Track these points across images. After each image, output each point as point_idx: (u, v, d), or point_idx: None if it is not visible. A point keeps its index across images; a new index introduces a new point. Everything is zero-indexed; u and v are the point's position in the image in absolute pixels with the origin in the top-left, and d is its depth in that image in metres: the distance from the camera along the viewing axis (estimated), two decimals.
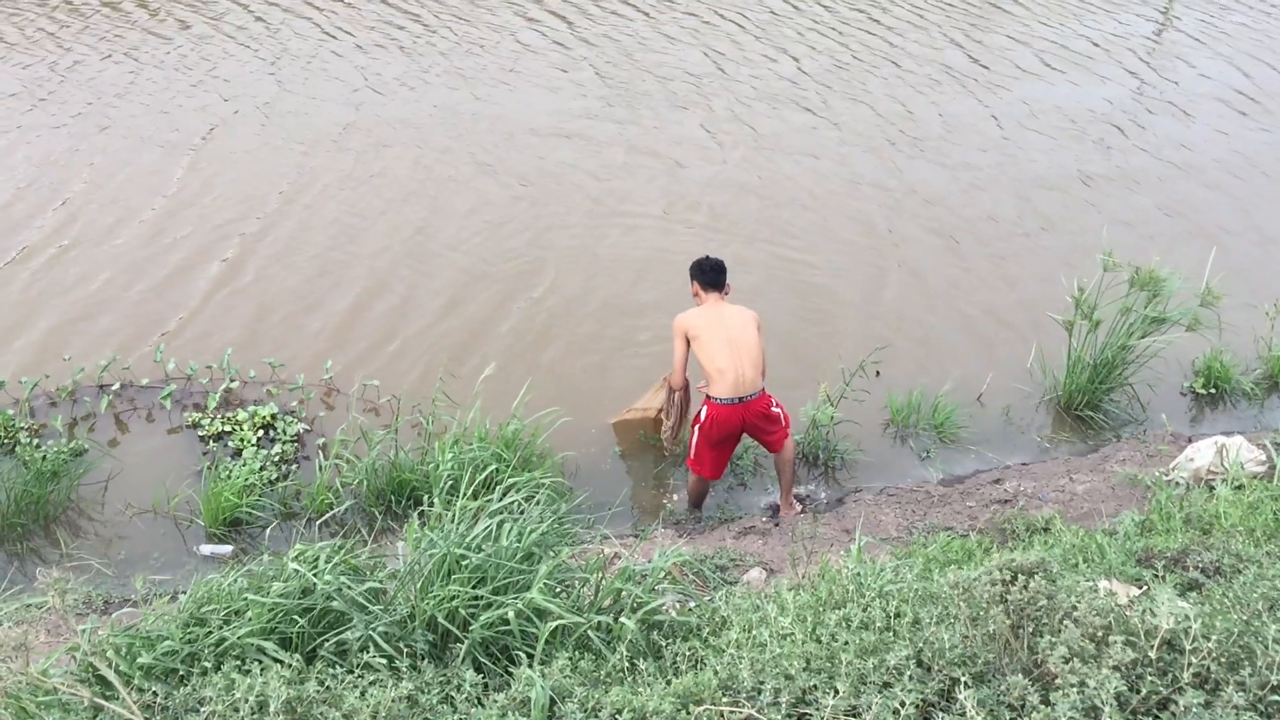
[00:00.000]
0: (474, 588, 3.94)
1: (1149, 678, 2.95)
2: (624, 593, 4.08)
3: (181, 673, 3.56)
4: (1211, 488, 6.24)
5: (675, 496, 6.80)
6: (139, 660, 3.53)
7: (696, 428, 6.33)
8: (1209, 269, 7.39)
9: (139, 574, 4.38)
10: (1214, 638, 3.00)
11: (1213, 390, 7.96)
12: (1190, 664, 2.96)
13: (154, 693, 3.38)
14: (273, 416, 7.10)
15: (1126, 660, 2.94)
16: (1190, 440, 7.18)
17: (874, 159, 11.04)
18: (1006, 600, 3.16)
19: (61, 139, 10.76)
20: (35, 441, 6.74)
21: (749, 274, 8.61)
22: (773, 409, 6.34)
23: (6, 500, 6.19)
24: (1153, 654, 3.01)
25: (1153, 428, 7.53)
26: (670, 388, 6.64)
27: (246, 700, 3.24)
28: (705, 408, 6.27)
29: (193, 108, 11.48)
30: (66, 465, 6.53)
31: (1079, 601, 3.19)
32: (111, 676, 3.38)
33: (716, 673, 3.35)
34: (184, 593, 4.16)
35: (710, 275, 6.40)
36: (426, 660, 3.70)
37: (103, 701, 3.34)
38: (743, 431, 6.35)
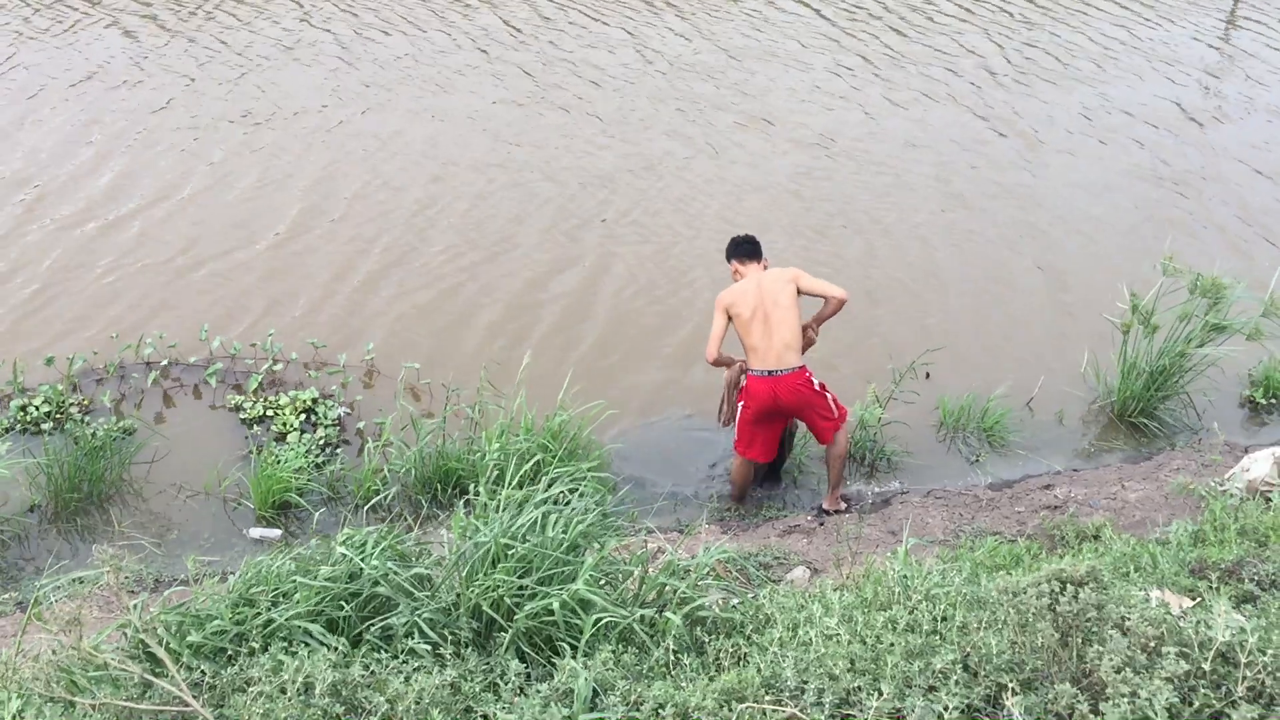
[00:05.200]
0: (519, 577, 3.95)
1: (1202, 690, 2.91)
2: (668, 587, 4.07)
3: (230, 652, 3.61)
4: (1268, 499, 6.11)
5: (718, 493, 6.77)
6: (188, 639, 3.58)
7: (741, 403, 6.40)
8: (1277, 278, 7.22)
9: (189, 554, 4.44)
10: (1270, 651, 2.94)
11: (1272, 400, 7.79)
12: (1245, 677, 2.91)
13: (202, 671, 3.43)
14: (313, 401, 7.15)
15: (1179, 672, 2.89)
16: (1247, 450, 7.03)
17: (936, 160, 10.97)
18: (1055, 611, 3.12)
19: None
20: (85, 418, 6.85)
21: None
22: (814, 389, 6.34)
23: (60, 476, 6.29)
24: (1206, 666, 2.96)
25: (1208, 436, 7.39)
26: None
27: (293, 682, 3.28)
28: (746, 381, 6.37)
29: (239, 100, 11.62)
30: (116, 443, 6.61)
31: (1130, 612, 3.15)
32: (161, 654, 3.43)
33: (760, 670, 3.33)
34: (233, 573, 4.21)
35: (746, 247, 6.59)
36: (470, 648, 3.71)
37: (152, 678, 3.39)
38: (780, 408, 6.33)
